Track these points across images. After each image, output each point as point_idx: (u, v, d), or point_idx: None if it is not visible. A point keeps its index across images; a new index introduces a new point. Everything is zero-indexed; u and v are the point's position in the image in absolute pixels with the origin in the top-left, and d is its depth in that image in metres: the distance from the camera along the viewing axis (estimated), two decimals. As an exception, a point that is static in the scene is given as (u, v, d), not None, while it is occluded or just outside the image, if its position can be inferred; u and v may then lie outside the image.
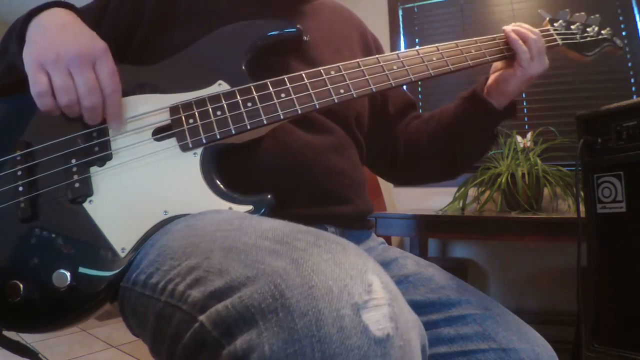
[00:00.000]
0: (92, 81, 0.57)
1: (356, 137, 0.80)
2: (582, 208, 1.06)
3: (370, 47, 0.89)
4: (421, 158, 0.89)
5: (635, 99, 1.11)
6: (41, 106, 0.57)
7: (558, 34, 0.84)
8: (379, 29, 2.48)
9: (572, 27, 0.87)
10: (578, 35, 0.87)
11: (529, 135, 1.95)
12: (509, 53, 0.78)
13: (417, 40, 2.50)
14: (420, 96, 2.47)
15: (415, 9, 2.51)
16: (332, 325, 0.33)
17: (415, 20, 2.51)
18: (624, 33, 2.05)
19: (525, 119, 2.21)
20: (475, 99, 0.80)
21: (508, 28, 0.79)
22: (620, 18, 2.08)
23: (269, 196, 0.59)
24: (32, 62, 0.56)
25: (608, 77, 2.07)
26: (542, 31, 0.83)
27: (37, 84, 0.56)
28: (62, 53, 0.56)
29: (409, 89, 2.40)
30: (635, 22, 2.04)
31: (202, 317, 0.38)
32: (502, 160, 1.89)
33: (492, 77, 0.80)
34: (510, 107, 0.81)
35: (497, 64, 0.81)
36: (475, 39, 0.78)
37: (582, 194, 1.09)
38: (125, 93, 0.62)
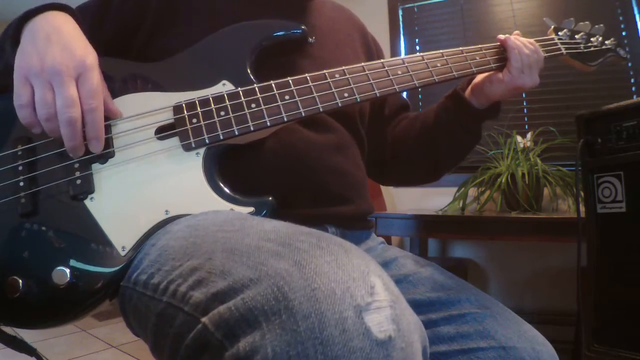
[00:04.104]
0: (70, 96, 0.54)
1: (359, 135, 0.80)
2: (582, 208, 1.06)
3: (370, 46, 0.89)
4: (405, 157, 0.89)
5: (635, 99, 1.11)
6: (21, 118, 0.55)
7: (562, 43, 0.85)
8: (379, 28, 2.48)
9: (577, 36, 0.88)
10: (582, 45, 0.87)
11: (529, 135, 1.95)
12: (504, 56, 0.77)
13: (417, 40, 2.50)
14: (420, 96, 2.47)
15: (415, 9, 2.50)
16: (335, 328, 0.33)
17: (415, 20, 2.50)
18: (624, 33, 2.05)
19: (525, 119, 2.21)
20: (455, 98, 0.80)
21: (505, 36, 0.78)
22: (621, 18, 2.08)
23: (270, 198, 0.59)
24: (17, 73, 0.56)
25: (608, 77, 2.07)
26: (546, 40, 0.83)
27: (18, 96, 0.55)
28: (46, 65, 0.55)
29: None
30: (635, 23, 2.04)
31: (204, 319, 0.38)
32: (502, 160, 1.89)
33: (479, 76, 0.80)
34: (493, 108, 0.80)
35: None
36: (480, 46, 0.77)
37: (582, 194, 1.09)
38: (129, 90, 0.61)
